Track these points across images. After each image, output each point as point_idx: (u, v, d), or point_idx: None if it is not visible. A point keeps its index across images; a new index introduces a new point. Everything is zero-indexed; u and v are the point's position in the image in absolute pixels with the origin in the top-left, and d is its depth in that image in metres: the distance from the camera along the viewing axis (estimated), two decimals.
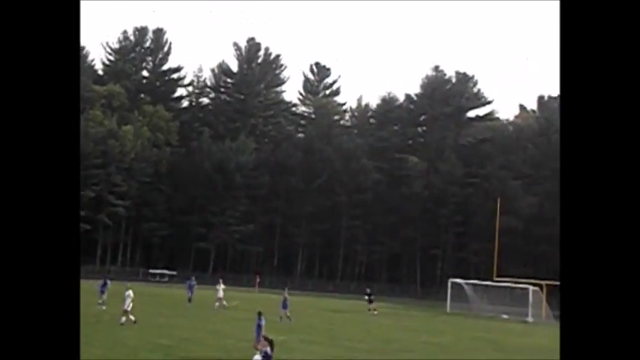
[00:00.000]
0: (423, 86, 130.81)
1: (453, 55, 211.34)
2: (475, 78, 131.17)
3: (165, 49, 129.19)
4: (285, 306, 47.05)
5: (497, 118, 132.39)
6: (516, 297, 78.74)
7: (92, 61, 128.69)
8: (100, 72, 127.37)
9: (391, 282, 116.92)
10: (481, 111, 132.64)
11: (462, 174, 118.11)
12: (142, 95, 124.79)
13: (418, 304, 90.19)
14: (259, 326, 27.63)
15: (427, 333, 45.79)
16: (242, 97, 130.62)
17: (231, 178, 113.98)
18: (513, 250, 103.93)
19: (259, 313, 28.39)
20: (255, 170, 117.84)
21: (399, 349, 35.02)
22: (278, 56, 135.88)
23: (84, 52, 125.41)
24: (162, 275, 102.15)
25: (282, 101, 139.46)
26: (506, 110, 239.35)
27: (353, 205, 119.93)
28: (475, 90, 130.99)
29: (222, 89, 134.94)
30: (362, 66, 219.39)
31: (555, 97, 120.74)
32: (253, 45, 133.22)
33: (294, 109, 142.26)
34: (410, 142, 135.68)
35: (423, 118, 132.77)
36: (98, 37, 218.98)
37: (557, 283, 60.50)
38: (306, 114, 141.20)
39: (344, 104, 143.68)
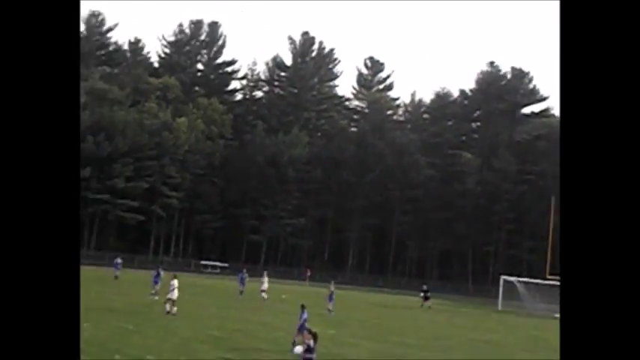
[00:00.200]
0: (477, 82, 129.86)
1: (509, 51, 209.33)
2: (531, 74, 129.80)
3: (220, 42, 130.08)
4: (330, 299, 46.91)
5: (553, 115, 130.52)
6: None
7: (148, 53, 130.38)
8: (156, 64, 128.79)
9: (442, 279, 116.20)
10: (536, 107, 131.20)
11: (516, 171, 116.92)
12: (197, 88, 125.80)
13: (469, 301, 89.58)
14: (302, 319, 27.62)
15: (478, 330, 45.44)
16: (296, 90, 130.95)
17: (283, 171, 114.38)
18: None
19: (302, 307, 28.39)
20: (308, 164, 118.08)
21: (449, 346, 34.78)
22: (332, 50, 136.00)
23: (140, 44, 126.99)
24: (214, 267, 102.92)
25: (336, 95, 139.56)
26: None
27: (405, 200, 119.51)
28: (530, 86, 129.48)
29: (276, 83, 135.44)
30: (416, 61, 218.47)
31: None
32: (308, 39, 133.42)
33: (347, 103, 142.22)
34: (464, 138, 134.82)
35: (477, 113, 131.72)
36: (154, 30, 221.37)
37: None
38: (359, 108, 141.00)
39: (397, 99, 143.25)
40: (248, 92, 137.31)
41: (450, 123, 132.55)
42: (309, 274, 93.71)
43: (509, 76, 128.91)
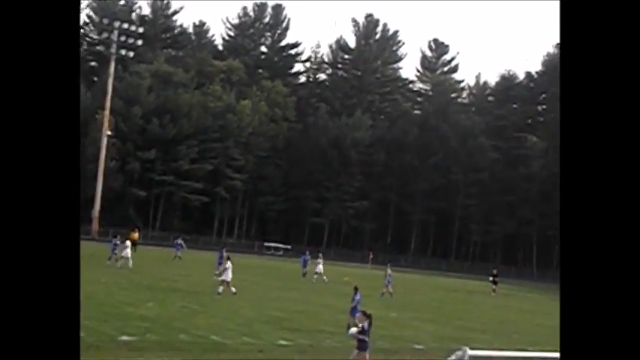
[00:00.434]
0: (544, 64, 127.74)
1: None
2: None
3: (284, 24, 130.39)
4: (388, 282, 46.54)
5: None
6: None
7: (212, 36, 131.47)
8: (220, 47, 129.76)
9: (506, 263, 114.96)
10: None
11: None
12: (260, 70, 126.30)
13: (534, 285, 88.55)
14: (355, 301, 27.56)
15: (542, 315, 44.84)
16: (359, 73, 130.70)
17: (346, 154, 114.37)
18: None
19: (355, 288, 28.30)
20: (371, 147, 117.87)
21: (514, 330, 34.41)
22: (396, 32, 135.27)
23: (204, 27, 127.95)
24: (276, 249, 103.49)
25: (399, 78, 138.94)
26: None
27: (469, 183, 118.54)
28: None
29: (340, 65, 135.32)
30: (481, 42, 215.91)
31: None
32: (371, 21, 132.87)
33: (410, 85, 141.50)
34: (529, 120, 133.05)
35: (543, 96, 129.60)
36: (219, 12, 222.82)
37: None
38: (423, 91, 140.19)
39: (462, 81, 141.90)
40: (311, 75, 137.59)
41: (515, 106, 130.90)
42: (371, 257, 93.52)
43: None
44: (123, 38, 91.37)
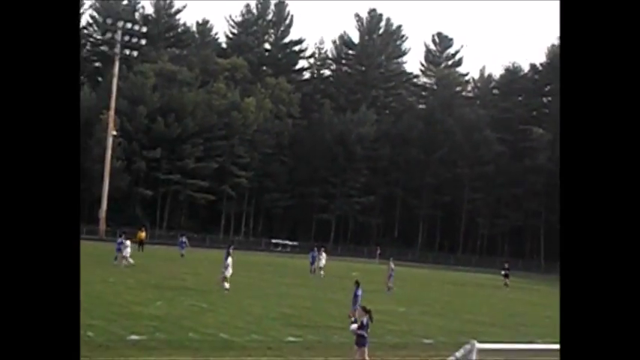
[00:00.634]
0: (548, 55, 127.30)
1: None
2: None
3: (287, 21, 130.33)
4: (390, 276, 46.56)
5: None
6: None
7: (216, 34, 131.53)
8: (224, 45, 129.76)
9: (514, 256, 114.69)
10: None
11: None
12: (264, 67, 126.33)
13: (542, 278, 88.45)
14: (356, 296, 27.55)
15: (551, 308, 44.73)
16: (363, 68, 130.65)
17: (352, 149, 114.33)
18: None
19: (357, 283, 28.28)
20: (376, 142, 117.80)
21: (522, 323, 34.43)
22: (399, 27, 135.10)
23: (208, 25, 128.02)
24: (284, 246, 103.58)
25: (404, 72, 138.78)
26: None
27: (475, 177, 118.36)
28: None
29: (344, 61, 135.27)
30: (485, 35, 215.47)
31: None
32: (375, 16, 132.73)
33: (415, 80, 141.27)
34: (534, 113, 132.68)
35: (548, 88, 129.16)
36: (222, 10, 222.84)
37: None
38: (427, 85, 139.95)
39: (466, 75, 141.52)
40: (315, 71, 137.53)
41: (520, 98, 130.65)
42: (379, 252, 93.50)
43: None
44: (127, 38, 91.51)
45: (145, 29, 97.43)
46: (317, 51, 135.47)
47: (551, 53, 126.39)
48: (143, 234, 67.71)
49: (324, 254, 54.11)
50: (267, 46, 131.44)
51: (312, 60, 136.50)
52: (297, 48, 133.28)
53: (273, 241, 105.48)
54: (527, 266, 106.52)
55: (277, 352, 20.81)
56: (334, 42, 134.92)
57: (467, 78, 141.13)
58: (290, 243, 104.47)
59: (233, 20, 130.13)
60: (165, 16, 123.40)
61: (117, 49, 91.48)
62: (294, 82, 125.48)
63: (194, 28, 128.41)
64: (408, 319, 31.90)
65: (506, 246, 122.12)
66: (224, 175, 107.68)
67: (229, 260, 36.74)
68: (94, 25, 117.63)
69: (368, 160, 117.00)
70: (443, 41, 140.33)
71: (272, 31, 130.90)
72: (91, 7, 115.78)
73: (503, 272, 63.85)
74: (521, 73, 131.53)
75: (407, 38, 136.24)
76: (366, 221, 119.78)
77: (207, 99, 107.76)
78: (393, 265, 47.76)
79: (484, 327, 31.01)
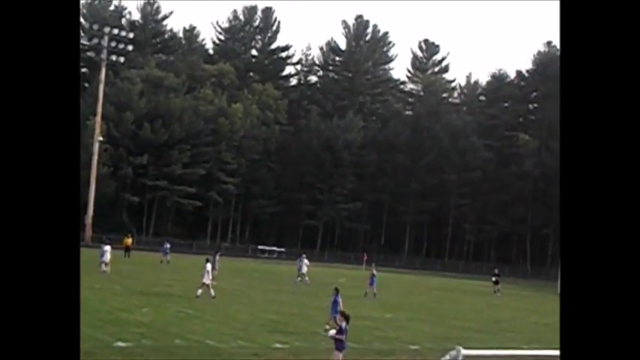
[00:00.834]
0: (534, 62, 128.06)
1: None
2: None
3: (274, 27, 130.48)
4: (372, 282, 46.55)
5: None
6: None
7: (203, 40, 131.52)
8: (211, 51, 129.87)
9: (500, 261, 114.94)
10: None
11: None
12: (251, 74, 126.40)
13: (528, 284, 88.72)
14: (336, 302, 27.52)
15: (537, 314, 44.96)
16: (350, 74, 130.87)
17: (339, 155, 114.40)
18: None
19: (336, 290, 28.26)
20: (363, 148, 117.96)
21: (508, 329, 34.51)
22: (386, 34, 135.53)
23: (194, 31, 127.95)
24: (270, 252, 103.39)
25: (390, 79, 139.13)
26: None
27: (462, 183, 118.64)
28: None
29: (331, 67, 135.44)
30: (471, 42, 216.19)
31: None
32: (361, 22, 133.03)
33: (402, 86, 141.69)
34: (520, 119, 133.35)
35: (534, 94, 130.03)
36: (208, 16, 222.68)
37: None
38: (414, 91, 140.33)
39: (453, 81, 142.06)
40: (302, 77, 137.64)
41: (506, 104, 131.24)
42: (366, 258, 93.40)
43: None
44: (113, 44, 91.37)
45: (131, 35, 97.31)
46: (304, 57, 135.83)
47: (537, 60, 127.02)
48: (130, 240, 67.57)
49: (305, 261, 53.99)
50: (254, 52, 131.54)
51: (299, 66, 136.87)
52: (284, 54, 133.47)
53: (260, 247, 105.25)
54: (514, 272, 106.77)
55: (264, 358, 20.78)
56: (321, 48, 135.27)
57: (453, 84, 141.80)
58: (277, 249, 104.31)
59: (220, 26, 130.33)
60: (152, 22, 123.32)
61: (103, 55, 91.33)
62: (282, 88, 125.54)
63: (181, 34, 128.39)
64: (394, 325, 31.90)
65: (492, 252, 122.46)
66: (211, 181, 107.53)
67: (208, 266, 36.67)
68: (81, 31, 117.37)
69: (355, 166, 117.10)
70: (429, 48, 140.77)
71: (259, 37, 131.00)
72: None
73: (493, 279, 63.61)
74: (508, 80, 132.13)
75: (394, 45, 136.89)
76: (353, 227, 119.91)
77: (194, 105, 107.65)
78: (375, 272, 47.79)
79: (470, 333, 31.07)
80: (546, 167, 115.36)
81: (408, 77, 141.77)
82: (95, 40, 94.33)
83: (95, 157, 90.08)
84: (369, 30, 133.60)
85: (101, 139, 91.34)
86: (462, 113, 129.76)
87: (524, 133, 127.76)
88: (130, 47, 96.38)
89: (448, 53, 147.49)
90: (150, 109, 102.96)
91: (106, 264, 47.05)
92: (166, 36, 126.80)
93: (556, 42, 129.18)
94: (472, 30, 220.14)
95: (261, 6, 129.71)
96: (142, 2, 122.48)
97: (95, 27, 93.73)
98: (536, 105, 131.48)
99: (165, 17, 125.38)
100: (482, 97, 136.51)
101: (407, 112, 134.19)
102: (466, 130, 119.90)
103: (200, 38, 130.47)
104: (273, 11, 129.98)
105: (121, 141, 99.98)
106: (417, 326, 32.35)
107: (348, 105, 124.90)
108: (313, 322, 30.22)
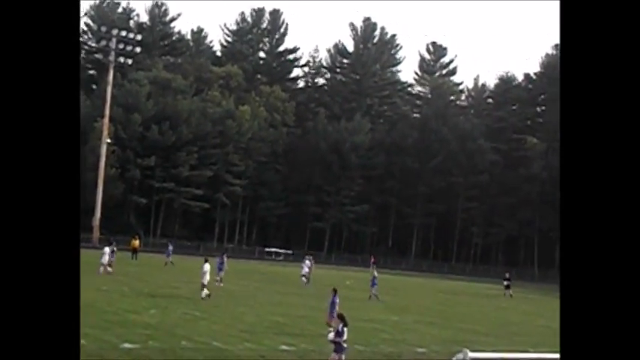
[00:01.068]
0: (542, 65, 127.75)
1: None
2: None
3: (282, 30, 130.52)
4: (373, 284, 46.48)
5: None
6: None
7: (210, 42, 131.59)
8: (218, 53, 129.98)
9: (507, 264, 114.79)
10: None
11: None
12: (259, 76, 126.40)
13: (536, 287, 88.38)
14: (333, 303, 27.47)
15: (545, 317, 44.80)
16: (358, 77, 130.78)
17: (346, 158, 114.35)
18: None
19: (334, 291, 28.22)
20: (371, 150, 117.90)
21: (516, 332, 34.42)
22: (394, 36, 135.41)
23: (202, 34, 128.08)
24: (277, 254, 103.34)
25: (398, 81, 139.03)
26: None
27: (469, 186, 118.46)
28: None
29: (338, 69, 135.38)
30: (479, 45, 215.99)
31: None
32: (369, 25, 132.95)
33: (409, 89, 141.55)
34: (528, 122, 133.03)
35: (542, 97, 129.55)
36: (216, 19, 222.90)
37: None
38: (422, 94, 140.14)
39: (460, 84, 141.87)
40: (310, 79, 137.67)
41: (514, 107, 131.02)
42: (373, 260, 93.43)
43: None
44: (121, 46, 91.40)
45: (139, 37, 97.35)
46: (312, 59, 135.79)
47: (545, 63, 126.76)
48: (137, 242, 67.66)
49: (307, 262, 54.10)
50: (261, 54, 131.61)
51: (306, 68, 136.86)
52: (291, 56, 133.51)
53: (267, 249, 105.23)
54: (521, 275, 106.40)
55: None
56: (329, 50, 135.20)
57: (461, 87, 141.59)
58: (284, 251, 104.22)
59: (228, 28, 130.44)
60: (159, 24, 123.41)
61: (111, 57, 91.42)
62: (289, 90, 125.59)
63: (189, 36, 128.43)
64: (401, 327, 31.87)
65: (500, 255, 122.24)
66: (218, 183, 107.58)
67: (207, 267, 36.69)
68: (89, 33, 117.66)
69: (362, 168, 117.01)
70: (437, 50, 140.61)
71: (267, 39, 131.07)
72: (85, 14, 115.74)
73: (505, 283, 63.79)
74: (515, 83, 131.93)
75: (401, 47, 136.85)
76: (361, 230, 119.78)
77: (201, 107, 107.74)
78: (376, 274, 47.79)
79: (477, 336, 31.00)
80: (554, 170, 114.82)
81: (415, 80, 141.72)
82: (103, 42, 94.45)
83: (103, 159, 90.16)
84: (377, 32, 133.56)
85: (109, 141, 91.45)
86: (469, 116, 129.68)
87: (531, 136, 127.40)
88: (138, 49, 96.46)
89: (456, 56, 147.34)
90: (157, 111, 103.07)
91: (104, 266, 46.81)
92: (174, 38, 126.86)
93: None
94: (480, 32, 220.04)
95: (268, 8, 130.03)
96: (150, 4, 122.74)
97: (103, 29, 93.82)
98: (543, 108, 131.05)
99: (173, 19, 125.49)
100: (489, 100, 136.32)
101: (414, 115, 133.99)
102: (474, 133, 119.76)
103: (208, 40, 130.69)
104: (281, 13, 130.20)
105: (128, 143, 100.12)
106: (424, 329, 32.31)
107: (356, 107, 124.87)
108: (320, 324, 30.17)
